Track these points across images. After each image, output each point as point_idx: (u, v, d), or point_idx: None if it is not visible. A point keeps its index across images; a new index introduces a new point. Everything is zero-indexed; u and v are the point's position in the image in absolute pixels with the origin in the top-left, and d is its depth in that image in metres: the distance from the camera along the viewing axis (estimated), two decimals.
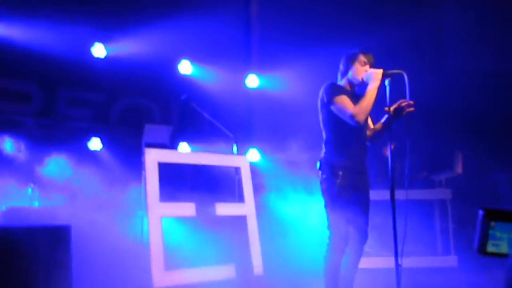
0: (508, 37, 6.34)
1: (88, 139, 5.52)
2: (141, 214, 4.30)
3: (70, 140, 5.38)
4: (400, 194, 3.14)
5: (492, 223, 0.79)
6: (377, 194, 4.33)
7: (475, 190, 5.37)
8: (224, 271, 4.34)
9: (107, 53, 5.72)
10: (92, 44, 5.66)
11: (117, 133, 5.75)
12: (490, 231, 0.78)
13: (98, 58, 5.67)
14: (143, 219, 4.18)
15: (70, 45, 5.33)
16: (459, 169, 5.41)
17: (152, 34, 5.59)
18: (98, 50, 5.69)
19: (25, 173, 4.53)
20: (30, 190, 4.30)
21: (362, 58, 3.19)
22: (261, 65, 6.54)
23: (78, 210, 3.92)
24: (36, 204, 4.27)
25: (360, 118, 3.05)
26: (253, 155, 6.04)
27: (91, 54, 5.64)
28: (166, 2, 6.08)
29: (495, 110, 5.88)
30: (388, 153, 3.12)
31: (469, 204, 5.52)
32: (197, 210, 4.28)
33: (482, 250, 0.77)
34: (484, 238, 0.79)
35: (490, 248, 0.66)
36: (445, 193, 5.44)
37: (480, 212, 0.80)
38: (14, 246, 2.76)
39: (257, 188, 5.06)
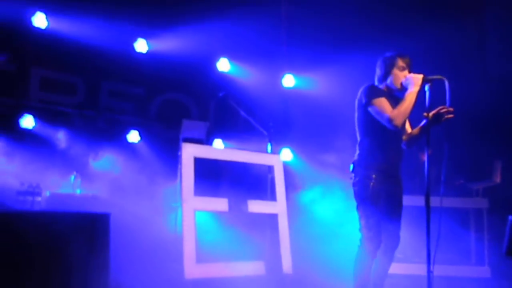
0: None
1: (128, 131, 5.69)
2: (176, 206, 4.41)
3: (111, 132, 5.56)
4: (435, 201, 3.11)
5: None
6: (412, 200, 4.29)
7: None
8: (254, 268, 4.40)
9: (149, 49, 5.89)
10: (135, 40, 5.83)
11: (156, 126, 5.91)
12: None
13: (140, 53, 5.84)
14: (178, 212, 4.29)
15: (114, 39, 5.50)
16: (497, 178, 5.27)
17: (192, 32, 5.71)
18: (141, 46, 5.87)
19: (68, 161, 4.72)
20: (72, 178, 4.48)
21: (400, 63, 3.17)
22: (297, 66, 6.56)
23: (117, 199, 4.06)
24: (78, 191, 4.44)
25: (398, 121, 3.03)
26: (287, 154, 6.08)
27: (133, 49, 5.82)
28: (208, 3, 6.18)
29: None
30: (424, 158, 3.10)
31: (506, 215, 5.37)
32: (230, 206, 4.35)
33: (510, 252, 0.80)
34: None
35: None
36: (481, 202, 5.32)
37: (510, 218, 0.82)
38: (56, 230, 2.88)
39: (290, 187, 5.09)
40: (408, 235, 4.05)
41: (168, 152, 5.19)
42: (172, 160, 4.83)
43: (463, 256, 5.13)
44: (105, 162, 4.83)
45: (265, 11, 6.36)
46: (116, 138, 5.49)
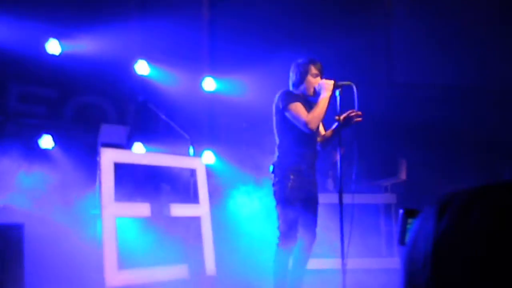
0: (456, 49, 6.77)
1: (40, 136, 5.41)
2: (95, 213, 4.29)
3: (21, 137, 5.26)
4: (347, 198, 3.34)
5: (409, 220, 0.96)
6: (326, 197, 4.55)
7: (418, 195, 5.71)
8: (177, 271, 4.40)
9: (62, 50, 5.63)
10: (46, 40, 5.55)
11: (71, 131, 5.67)
12: (408, 226, 0.96)
13: (53, 55, 5.57)
14: (98, 219, 4.18)
15: (23, 40, 5.21)
16: (403, 175, 5.73)
17: (109, 33, 5.56)
18: (53, 47, 5.59)
19: None
20: None
21: (313, 70, 3.38)
22: (218, 68, 6.63)
23: (31, 209, 3.87)
24: None
25: (313, 125, 3.23)
26: (209, 157, 6.13)
27: (45, 50, 5.54)
28: (124, 2, 6.06)
29: (439, 120, 6.28)
30: (337, 158, 3.32)
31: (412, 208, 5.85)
32: (152, 210, 4.32)
33: (402, 241, 0.94)
34: (403, 232, 0.96)
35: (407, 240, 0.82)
36: (390, 198, 5.74)
37: (400, 211, 0.97)
38: None
39: (212, 190, 5.15)
40: (325, 231, 4.29)
41: (85, 157, 5.01)
42: (90, 165, 4.69)
43: (375, 249, 5.50)
44: (17, 169, 4.56)
45: (186, 12, 6.36)
46: (27, 143, 5.20)
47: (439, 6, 6.86)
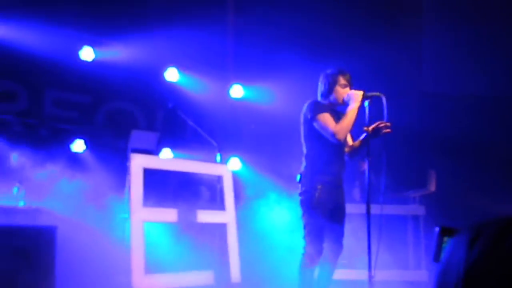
0: (488, 58, 6.64)
1: (72, 140, 5.55)
2: (124, 218, 4.37)
3: (54, 141, 5.41)
4: (375, 209, 3.31)
5: (445, 238, 0.96)
6: (354, 208, 4.51)
7: (447, 207, 5.60)
8: (203, 278, 4.44)
9: (95, 57, 5.79)
10: (80, 47, 5.72)
11: (102, 136, 5.81)
12: (443, 245, 0.96)
13: (86, 61, 5.73)
14: (126, 223, 4.26)
15: (58, 47, 5.38)
16: (432, 187, 5.63)
17: (140, 40, 5.69)
18: (86, 53, 5.75)
19: (10, 172, 4.55)
20: (15, 189, 4.33)
21: (341, 80, 3.37)
22: (245, 75, 6.68)
23: (63, 211, 3.97)
24: (22, 203, 4.29)
25: (341, 136, 3.23)
26: (235, 164, 6.17)
27: (79, 57, 5.70)
28: (156, 11, 6.18)
29: (469, 132, 6.16)
30: (365, 168, 3.30)
31: (440, 221, 5.75)
32: (179, 216, 4.37)
33: (436, 259, 0.95)
34: (439, 250, 0.96)
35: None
36: (418, 209, 5.64)
37: (436, 229, 0.98)
38: None
39: (238, 197, 5.18)
40: (352, 241, 4.26)
41: (115, 162, 5.13)
42: (120, 170, 4.78)
43: (402, 261, 5.41)
44: (50, 172, 4.69)
45: (213, 19, 6.44)
46: (60, 147, 5.35)
47: (470, 15, 6.75)
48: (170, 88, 6.20)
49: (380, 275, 3.87)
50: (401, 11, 6.88)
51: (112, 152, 5.43)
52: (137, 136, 4.92)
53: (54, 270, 3.01)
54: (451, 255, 0.56)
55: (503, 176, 6.10)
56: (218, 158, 4.99)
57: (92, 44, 5.77)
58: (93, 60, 5.77)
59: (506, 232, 0.53)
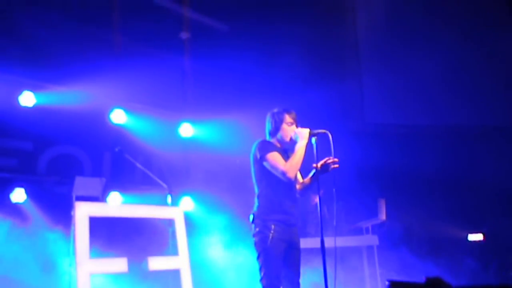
0: (429, 89, 6.97)
1: (12, 189, 5.24)
2: (69, 270, 4.12)
3: None
4: (330, 242, 3.30)
5: None
6: (308, 242, 4.50)
7: (399, 236, 5.71)
8: None
9: (36, 102, 5.56)
10: (20, 92, 5.49)
11: (45, 183, 5.52)
12: None
13: (26, 107, 5.49)
14: (71, 277, 4.01)
15: None
16: (383, 215, 5.73)
17: (84, 82, 5.54)
18: (26, 99, 5.51)
19: None
20: None
21: (287, 118, 3.42)
22: (195, 113, 6.64)
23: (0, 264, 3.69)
24: None
25: (291, 174, 3.23)
26: (187, 203, 6.03)
27: (18, 102, 5.46)
28: (99, 49, 6.07)
29: (416, 162, 6.38)
30: (316, 201, 3.31)
31: (393, 249, 5.85)
32: (129, 265, 4.17)
33: None
34: None
35: None
36: (371, 240, 5.71)
37: (386, 283, 0.96)
38: None
39: (192, 236, 5.04)
40: (311, 277, 4.22)
41: (59, 210, 4.87)
42: (64, 219, 4.54)
43: None
44: None
45: (165, 59, 6.41)
46: None
47: (410, 46, 7.11)
48: (117, 130, 6.04)
49: None
50: (341, 52, 7.16)
51: (56, 200, 5.17)
52: (81, 183, 4.71)
53: None
54: None
55: (451, 201, 6.33)
56: (169, 199, 4.86)
57: (32, 88, 5.55)
58: (34, 106, 5.54)
59: None
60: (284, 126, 3.41)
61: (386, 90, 7.01)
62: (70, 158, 5.88)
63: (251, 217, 3.38)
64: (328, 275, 3.18)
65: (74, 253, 3.99)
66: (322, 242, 3.21)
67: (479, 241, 6.62)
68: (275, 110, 3.49)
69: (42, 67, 5.55)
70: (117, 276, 4.32)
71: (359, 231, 5.94)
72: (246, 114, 5.51)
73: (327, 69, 6.60)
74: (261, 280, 3.24)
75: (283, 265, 3.29)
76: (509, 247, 6.06)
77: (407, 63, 6.97)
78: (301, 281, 3.42)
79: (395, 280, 0.95)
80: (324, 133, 3.24)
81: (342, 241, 5.20)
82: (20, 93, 5.48)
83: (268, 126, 3.50)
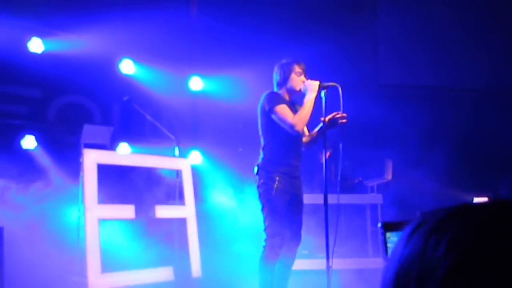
0: (442, 50, 6.81)
1: (22, 136, 5.30)
2: (78, 215, 4.22)
3: (3, 137, 5.15)
4: (333, 198, 3.32)
5: (388, 234, 0.95)
6: (312, 198, 4.53)
7: (404, 195, 5.73)
8: (162, 274, 4.36)
9: (45, 49, 5.52)
10: (29, 38, 5.44)
11: (55, 131, 5.58)
12: (387, 240, 0.94)
13: (35, 53, 5.46)
14: (81, 221, 4.11)
15: (5, 38, 5.10)
16: (389, 175, 5.74)
17: (93, 31, 5.47)
18: (35, 45, 5.48)
19: None
20: None
21: (296, 68, 3.36)
22: (204, 67, 6.57)
23: (11, 210, 3.79)
24: None
25: (299, 127, 3.21)
26: (195, 157, 6.07)
27: (27, 48, 5.43)
28: (110, 1, 5.96)
29: (425, 121, 6.32)
30: (323, 159, 3.31)
31: (397, 209, 5.89)
32: (137, 212, 4.26)
33: (385, 255, 0.93)
34: (385, 245, 0.94)
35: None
36: (376, 198, 5.74)
37: (379, 225, 0.96)
38: None
39: (198, 190, 5.10)
40: (311, 231, 4.28)
41: (68, 158, 4.93)
42: (74, 166, 4.61)
43: (361, 249, 5.50)
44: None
45: (173, 10, 6.29)
46: (9, 144, 5.10)
47: (425, 6, 6.90)
48: (126, 81, 6.01)
49: (339, 263, 3.90)
50: (357, 3, 6.95)
51: (65, 148, 5.23)
52: (90, 131, 4.75)
53: (3, 272, 2.85)
54: (393, 252, 0.53)
55: (459, 164, 6.30)
56: (177, 151, 4.89)
57: (41, 34, 5.50)
58: (43, 52, 5.51)
59: (441, 226, 0.49)
60: (293, 76, 3.35)
61: (401, 49, 6.86)
62: (79, 107, 5.90)
63: (256, 168, 3.39)
64: (330, 232, 3.22)
65: (83, 199, 4.07)
66: (326, 198, 3.23)
67: None
68: (284, 60, 3.42)
69: (52, 14, 5.47)
70: (125, 222, 4.42)
71: (364, 189, 5.97)
72: (255, 69, 5.45)
73: (341, 19, 6.43)
74: (265, 229, 3.29)
75: (286, 216, 3.33)
76: None
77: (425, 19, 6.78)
78: (303, 232, 3.47)
79: (387, 221, 0.96)
80: (334, 86, 3.17)
81: (346, 199, 5.24)
82: (29, 39, 5.44)
83: (276, 77, 3.44)
